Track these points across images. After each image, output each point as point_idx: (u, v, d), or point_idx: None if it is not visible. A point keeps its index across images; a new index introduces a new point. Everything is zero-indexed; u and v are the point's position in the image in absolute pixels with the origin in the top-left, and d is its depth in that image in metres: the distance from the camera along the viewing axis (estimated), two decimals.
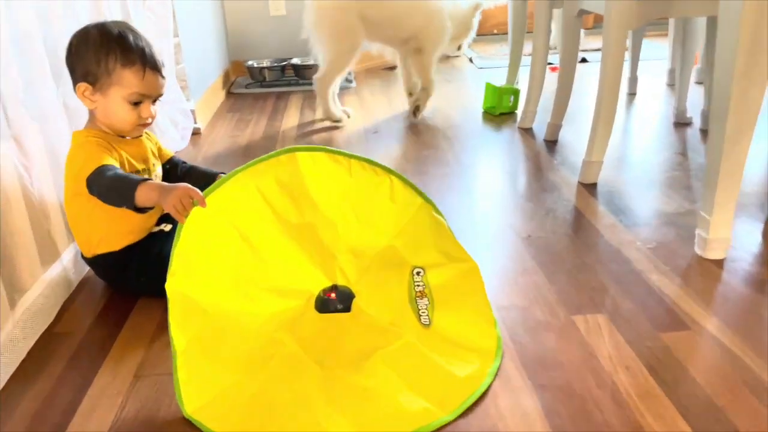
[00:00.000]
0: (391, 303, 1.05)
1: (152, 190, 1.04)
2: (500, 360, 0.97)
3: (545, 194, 1.63)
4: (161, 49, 1.99)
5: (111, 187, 1.08)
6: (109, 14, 1.59)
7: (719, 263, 1.24)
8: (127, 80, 1.12)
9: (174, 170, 1.33)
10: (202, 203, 0.97)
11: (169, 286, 0.94)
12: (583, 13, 1.85)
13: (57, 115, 1.27)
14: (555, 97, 2.00)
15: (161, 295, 1.14)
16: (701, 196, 1.25)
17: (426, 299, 1.05)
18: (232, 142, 2.22)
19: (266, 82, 3.03)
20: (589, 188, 1.65)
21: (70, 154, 1.15)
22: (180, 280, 0.95)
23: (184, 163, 1.35)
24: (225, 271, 1.01)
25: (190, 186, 1.01)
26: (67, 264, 1.25)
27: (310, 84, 3.00)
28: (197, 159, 2.04)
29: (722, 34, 1.15)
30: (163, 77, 1.17)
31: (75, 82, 1.14)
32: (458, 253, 1.12)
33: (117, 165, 1.13)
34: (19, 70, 1.13)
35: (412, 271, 1.09)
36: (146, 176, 1.20)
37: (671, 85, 2.72)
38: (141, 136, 1.23)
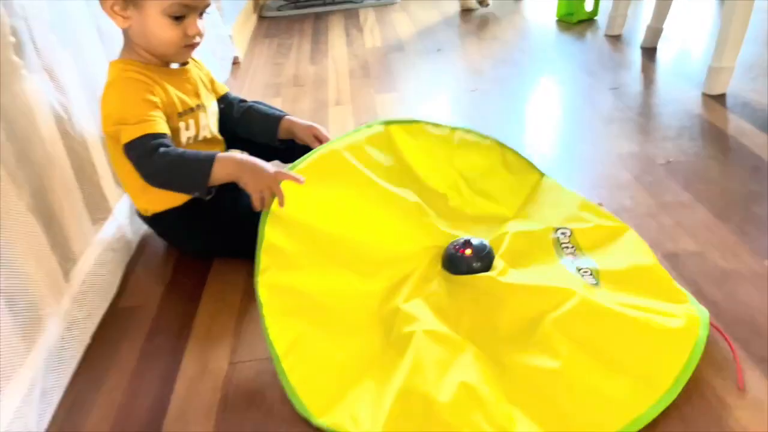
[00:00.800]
0: (541, 264, 0.82)
1: (231, 165, 0.85)
2: (707, 316, 0.74)
3: (668, 110, 1.36)
4: None
5: (173, 173, 0.86)
6: None
7: None
8: None
9: (230, 109, 1.09)
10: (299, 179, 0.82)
11: (262, 286, 0.75)
12: None
13: (91, 39, 1.03)
14: None
15: (241, 256, 0.96)
16: None
17: (580, 258, 0.82)
18: (278, 70, 1.95)
19: (301, 3, 2.72)
20: (718, 100, 1.38)
21: (104, 92, 0.91)
22: (272, 276, 0.77)
23: (243, 101, 1.12)
24: (323, 253, 0.82)
25: (282, 171, 0.83)
26: (122, 220, 1.04)
27: (350, 2, 2.70)
28: (242, 91, 1.79)
29: None
30: None
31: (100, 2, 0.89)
32: (603, 215, 0.92)
33: (162, 119, 0.88)
34: None
35: (556, 231, 0.87)
36: (200, 114, 0.97)
37: None
38: (188, 62, 0.99)
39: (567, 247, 0.85)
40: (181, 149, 0.88)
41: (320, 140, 1.05)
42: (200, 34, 0.93)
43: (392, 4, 2.67)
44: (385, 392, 0.67)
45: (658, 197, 1.04)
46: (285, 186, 0.82)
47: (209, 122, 1.01)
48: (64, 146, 0.89)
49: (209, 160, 0.85)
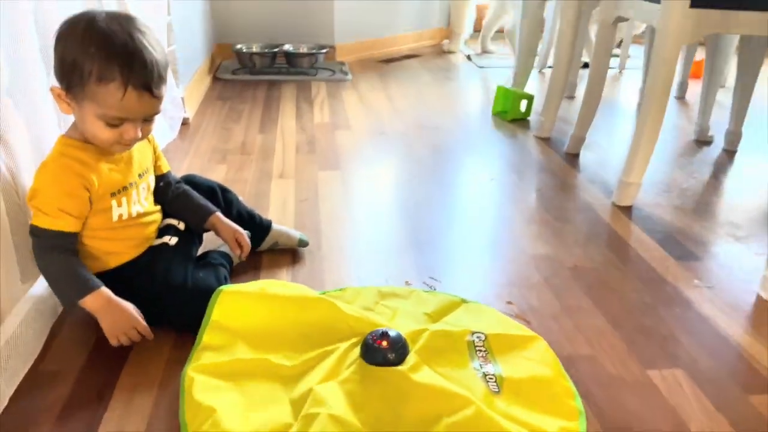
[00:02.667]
0: (452, 363, 0.90)
1: (98, 305, 0.93)
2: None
3: (580, 216, 1.50)
4: (158, 28, 1.78)
5: (56, 278, 0.94)
6: None
7: None
8: (102, 98, 0.87)
9: (166, 189, 1.14)
10: (148, 335, 0.95)
11: (192, 369, 0.85)
12: (620, 20, 1.72)
13: (46, 106, 1.07)
14: (581, 107, 1.88)
15: (168, 324, 0.99)
16: None
17: (491, 364, 0.91)
18: (226, 134, 2.02)
19: (256, 69, 2.82)
20: (625, 211, 1.53)
21: (40, 167, 0.93)
22: (203, 359, 0.87)
23: (179, 183, 1.17)
24: (254, 341, 0.94)
25: (135, 316, 0.94)
26: None
27: (303, 73, 2.82)
28: (189, 153, 1.84)
29: None
30: (155, 97, 0.91)
31: (55, 77, 0.92)
32: (517, 326, 1.02)
33: (77, 218, 0.93)
34: (5, 53, 0.93)
35: (472, 334, 0.95)
36: (132, 192, 1.01)
37: (679, 97, 2.64)
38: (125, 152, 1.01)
39: (480, 350, 0.93)
40: (74, 262, 0.93)
41: (240, 245, 1.14)
42: (137, 138, 0.94)
43: (344, 81, 2.81)
44: None
45: (562, 300, 1.14)
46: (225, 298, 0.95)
47: (141, 197, 1.04)
48: (5, 208, 0.91)
49: (85, 291, 0.92)
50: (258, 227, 1.24)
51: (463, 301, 1.08)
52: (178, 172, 1.68)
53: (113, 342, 0.94)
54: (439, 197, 1.61)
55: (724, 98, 2.20)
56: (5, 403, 0.84)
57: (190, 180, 1.21)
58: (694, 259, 1.30)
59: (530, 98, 2.27)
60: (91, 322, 1.04)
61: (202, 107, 2.32)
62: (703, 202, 1.60)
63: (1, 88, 0.91)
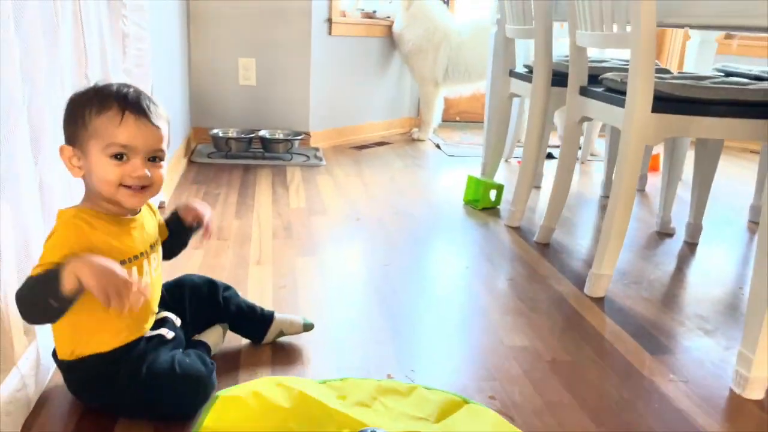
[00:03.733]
0: None
1: (77, 269, 0.85)
2: None
3: (554, 307, 1.53)
4: None
5: (32, 295, 0.87)
6: (93, 78, 1.41)
7: (760, 403, 1.16)
8: (102, 128, 0.91)
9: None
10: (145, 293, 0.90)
11: None
12: (585, 119, 1.83)
13: (31, 194, 1.07)
14: (550, 199, 1.95)
15: (146, 417, 0.97)
16: (743, 333, 1.18)
17: None
18: None
19: (231, 153, 2.87)
20: (598, 303, 1.57)
21: (49, 234, 0.94)
22: None
23: None
24: None
25: (115, 266, 0.87)
26: (26, 373, 1.02)
27: (278, 158, 2.87)
28: None
29: None
30: (155, 126, 0.94)
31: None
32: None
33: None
34: None
35: None
36: (143, 261, 1.01)
37: (640, 190, 2.76)
38: (138, 208, 1.01)
39: None
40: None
41: (197, 218, 1.15)
42: (144, 177, 0.94)
43: (319, 166, 2.87)
44: None
45: (544, 395, 1.15)
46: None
47: (152, 269, 1.05)
48: None
49: (57, 272, 0.85)
50: (260, 319, 1.24)
51: (465, 401, 1.07)
52: None
53: (101, 300, 0.85)
54: (417, 284, 1.63)
55: (683, 191, 2.32)
56: None
57: (188, 280, 1.21)
58: (668, 352, 1.33)
59: (500, 188, 2.35)
60: (68, 412, 1.01)
61: (178, 191, 2.33)
62: (670, 294, 1.66)
63: None
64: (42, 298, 0.87)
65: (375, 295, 1.56)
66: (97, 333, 0.98)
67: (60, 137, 1.04)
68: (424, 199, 2.46)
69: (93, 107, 0.92)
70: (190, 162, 2.76)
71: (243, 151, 2.90)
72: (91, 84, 0.99)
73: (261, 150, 2.94)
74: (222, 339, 1.21)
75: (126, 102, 0.92)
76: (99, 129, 0.92)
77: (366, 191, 2.50)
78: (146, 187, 0.96)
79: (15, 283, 0.99)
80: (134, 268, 1.00)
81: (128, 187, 0.94)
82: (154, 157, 0.97)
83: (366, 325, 1.39)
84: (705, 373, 1.26)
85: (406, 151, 3.34)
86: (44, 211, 1.10)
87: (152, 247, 1.05)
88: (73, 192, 1.31)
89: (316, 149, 3.15)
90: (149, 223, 1.06)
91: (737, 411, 1.14)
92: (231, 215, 2.08)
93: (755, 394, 1.18)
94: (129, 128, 0.92)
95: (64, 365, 1.01)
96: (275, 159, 2.89)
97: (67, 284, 0.85)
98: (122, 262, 0.96)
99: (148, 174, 0.95)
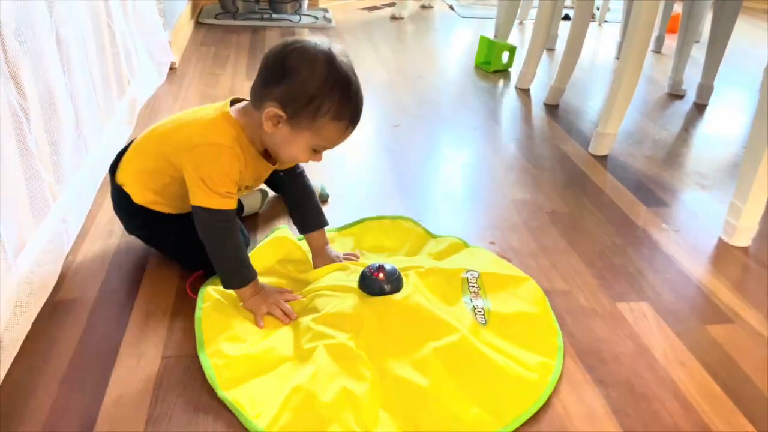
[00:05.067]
0: (444, 296, 0.99)
1: (249, 294, 0.97)
2: (560, 370, 0.90)
3: (558, 164, 1.58)
4: None
5: (228, 261, 0.96)
6: None
7: (745, 250, 1.24)
8: (326, 133, 0.94)
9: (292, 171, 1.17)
10: (292, 316, 0.97)
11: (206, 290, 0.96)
12: None
13: (50, 47, 1.10)
14: (561, 59, 1.94)
15: (176, 261, 1.06)
16: (736, 184, 1.23)
17: (481, 299, 0.99)
18: (214, 80, 2.04)
19: (239, 13, 2.80)
20: (601, 160, 1.61)
21: (207, 146, 0.94)
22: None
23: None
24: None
25: (276, 297, 0.98)
26: (63, 212, 1.10)
27: (286, 19, 2.81)
28: (179, 98, 1.86)
29: None
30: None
31: (266, 94, 0.92)
32: (510, 268, 1.10)
33: (236, 196, 0.98)
34: None
35: (466, 272, 1.03)
36: (247, 188, 1.07)
37: (656, 52, 2.71)
38: None
39: (473, 286, 1.01)
40: (244, 248, 0.98)
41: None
42: (319, 161, 1.00)
43: (328, 28, 2.81)
44: (282, 387, 0.82)
45: (540, 241, 1.23)
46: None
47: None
48: (18, 148, 0.95)
49: (247, 280, 0.96)
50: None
51: (466, 245, 1.16)
52: (169, 116, 1.72)
53: (258, 323, 0.95)
54: (424, 145, 1.67)
55: (699, 54, 2.28)
56: (28, 328, 0.91)
57: None
58: (663, 205, 1.40)
59: (512, 50, 2.31)
60: (102, 252, 1.10)
61: (187, 53, 2.32)
62: (673, 153, 1.70)
63: (8, 30, 0.93)
64: (224, 270, 0.97)
65: (384, 153, 1.61)
66: (171, 201, 1.04)
67: None
68: (435, 62, 2.44)
69: (332, 109, 0.91)
70: (198, 23, 2.72)
71: (250, 12, 2.84)
72: None
73: (269, 11, 2.87)
74: (260, 204, 1.27)
75: (356, 117, 0.95)
76: (323, 131, 0.93)
77: (376, 54, 2.48)
78: None
79: (43, 133, 1.05)
80: (243, 188, 1.05)
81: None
82: None
83: (376, 182, 1.46)
84: (697, 223, 1.33)
85: (418, 12, 3.25)
86: (63, 64, 1.13)
87: (257, 179, 1.08)
88: (87, 45, 1.33)
89: (325, 10, 3.07)
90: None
91: (722, 256, 1.22)
92: (242, 76, 2.09)
93: (742, 241, 1.25)
94: (343, 139, 0.97)
95: (118, 188, 1.06)
96: (283, 20, 2.83)
97: (238, 292, 0.97)
98: (239, 189, 1.01)
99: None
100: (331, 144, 0.97)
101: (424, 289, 0.98)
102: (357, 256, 1.13)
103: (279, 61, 0.91)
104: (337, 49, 0.93)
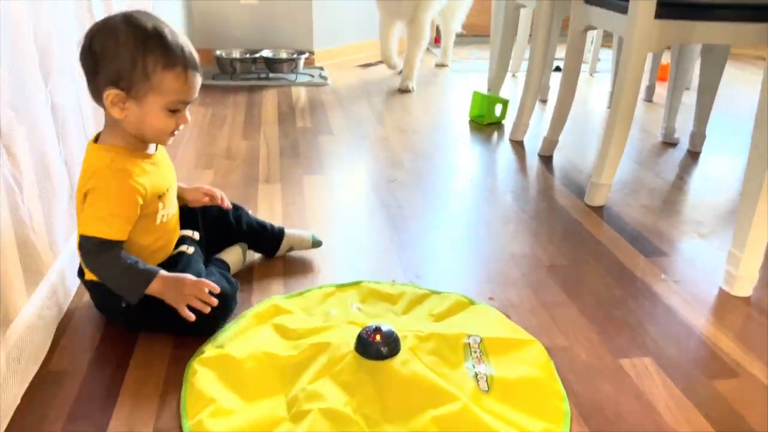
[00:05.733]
0: (445, 362, 0.96)
1: (160, 287, 0.97)
2: None
3: (554, 216, 1.58)
4: None
5: (116, 278, 0.98)
6: (95, 3, 1.42)
7: (746, 300, 1.22)
8: (168, 85, 0.94)
9: None
10: (215, 289, 0.99)
11: (196, 363, 0.95)
12: (589, 28, 1.81)
13: (44, 116, 1.11)
14: (554, 112, 1.96)
15: (167, 332, 1.04)
16: (734, 233, 1.23)
17: (484, 365, 0.97)
18: (211, 140, 2.06)
19: (236, 74, 2.86)
20: (597, 211, 1.61)
21: (92, 179, 0.97)
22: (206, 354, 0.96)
23: None
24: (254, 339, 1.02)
25: (194, 280, 0.98)
26: (55, 282, 1.10)
27: (283, 78, 2.87)
28: (174, 159, 1.86)
29: None
30: (200, 76, 1.00)
31: (97, 87, 0.95)
32: (516, 330, 1.08)
33: (127, 227, 0.98)
34: (7, 66, 0.97)
35: (468, 337, 1.01)
36: (170, 193, 1.08)
37: (648, 100, 2.75)
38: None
39: (475, 352, 0.99)
40: (125, 256, 0.97)
41: (210, 195, 1.20)
42: (187, 122, 1.02)
43: (324, 85, 2.86)
44: None
45: (539, 296, 1.22)
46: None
47: (174, 200, 1.11)
48: (11, 218, 0.95)
49: (148, 280, 0.96)
50: (271, 235, 1.30)
51: (471, 302, 1.14)
52: None
53: (184, 313, 0.96)
54: (421, 199, 1.68)
55: (690, 100, 2.31)
56: (18, 402, 0.89)
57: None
58: (662, 255, 1.39)
59: (505, 103, 2.35)
60: (95, 321, 1.09)
61: None
62: (669, 201, 1.70)
63: (4, 101, 0.95)
64: (120, 287, 0.98)
65: (380, 209, 1.61)
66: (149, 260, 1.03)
67: (66, 61, 1.06)
68: (430, 116, 2.47)
69: (158, 60, 0.92)
70: None
71: (247, 72, 2.90)
72: (87, 9, 1.00)
73: (265, 70, 2.93)
74: (242, 258, 1.26)
75: (186, 58, 0.95)
76: (164, 85, 0.93)
77: (371, 109, 2.51)
78: None
79: (37, 202, 1.05)
80: (166, 201, 1.06)
81: (171, 132, 1.01)
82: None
83: (372, 237, 1.46)
84: (696, 273, 1.32)
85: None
86: (57, 131, 1.15)
87: (173, 178, 1.11)
88: (84, 111, 1.35)
89: (321, 68, 3.13)
90: (165, 157, 1.11)
91: (724, 306, 1.20)
92: (239, 136, 2.12)
93: (743, 291, 1.24)
94: (191, 85, 0.97)
95: (90, 284, 1.07)
96: (280, 79, 2.88)
97: (149, 292, 0.97)
98: (159, 197, 1.03)
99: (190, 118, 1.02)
100: (183, 94, 0.96)
101: (423, 354, 0.96)
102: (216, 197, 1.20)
103: (87, 50, 0.94)
104: (135, 9, 0.96)
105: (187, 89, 0.96)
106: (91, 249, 0.96)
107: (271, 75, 2.91)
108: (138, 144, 1.02)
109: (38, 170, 1.06)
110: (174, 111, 0.97)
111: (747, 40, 1.51)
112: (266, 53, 2.96)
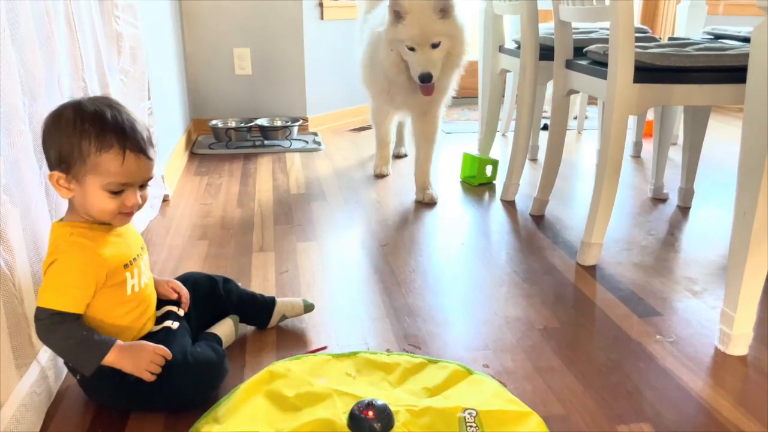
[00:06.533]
0: None
1: (116, 357, 0.99)
2: None
3: (547, 277, 1.59)
4: (140, 111, 1.87)
5: (71, 351, 0.99)
6: (90, 82, 1.46)
7: (743, 359, 1.22)
8: (104, 167, 0.96)
9: None
10: (168, 356, 1.01)
11: None
12: (572, 92, 1.86)
13: (39, 201, 1.13)
14: (542, 172, 2.00)
15: (158, 409, 1.03)
16: (725, 292, 1.23)
17: None
18: (205, 211, 2.08)
19: (232, 142, 2.92)
20: (589, 270, 1.62)
21: (50, 254, 0.99)
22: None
23: None
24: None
25: (150, 348, 1.00)
26: (45, 365, 1.09)
27: (278, 145, 2.92)
28: (170, 230, 1.89)
29: (750, 130, 1.15)
30: (150, 158, 1.01)
31: (49, 168, 1.00)
32: (512, 401, 1.06)
33: (83, 300, 0.99)
34: (2, 151, 0.99)
35: (463, 411, 1.00)
36: (140, 262, 1.08)
37: (635, 156, 2.79)
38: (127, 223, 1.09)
39: (470, 426, 0.97)
40: (80, 328, 0.98)
41: (177, 291, 1.20)
42: (138, 205, 1.03)
43: (318, 150, 2.91)
44: None
45: (534, 362, 1.21)
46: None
47: (146, 269, 1.12)
48: (3, 302, 0.96)
49: (103, 352, 0.98)
50: (262, 306, 1.31)
51: (469, 372, 1.13)
52: (161, 249, 1.75)
53: (145, 377, 0.99)
54: (414, 262, 1.68)
55: (676, 155, 2.35)
56: None
57: (189, 278, 1.26)
58: (655, 315, 1.39)
59: (495, 163, 2.39)
60: (85, 403, 1.07)
61: (181, 183, 2.39)
62: (661, 259, 1.70)
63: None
64: (75, 360, 1.00)
65: (373, 274, 1.61)
66: (107, 335, 1.03)
67: None
68: None
69: (92, 142, 0.95)
70: (192, 154, 2.82)
71: (243, 140, 2.95)
72: (83, 89, 1.04)
73: (260, 138, 2.98)
74: (234, 331, 1.26)
75: (125, 139, 0.96)
76: (99, 167, 0.96)
77: (364, 174, 2.55)
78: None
79: (30, 286, 1.06)
80: (135, 270, 1.06)
81: (127, 213, 1.03)
82: (143, 185, 1.04)
83: (364, 303, 1.45)
84: (691, 332, 1.32)
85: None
86: (51, 213, 1.16)
87: (142, 248, 1.12)
88: None
89: (315, 134, 3.20)
90: (131, 227, 1.12)
91: (721, 367, 1.19)
92: (233, 204, 2.14)
93: (738, 350, 1.23)
94: (130, 168, 0.97)
95: (72, 369, 1.07)
96: (275, 146, 2.94)
97: (105, 363, 0.98)
98: (125, 266, 1.04)
99: (140, 201, 1.03)
100: (121, 176, 0.97)
101: (417, 430, 0.95)
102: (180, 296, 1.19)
103: (42, 135, 0.99)
104: (88, 97, 1.01)
105: (126, 171, 0.97)
106: (45, 321, 0.96)
107: (266, 142, 2.96)
108: (97, 219, 1.03)
109: (31, 254, 1.07)
110: (117, 192, 0.99)
111: (725, 101, 1.55)
112: (261, 121, 3.02)
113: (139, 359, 0.99)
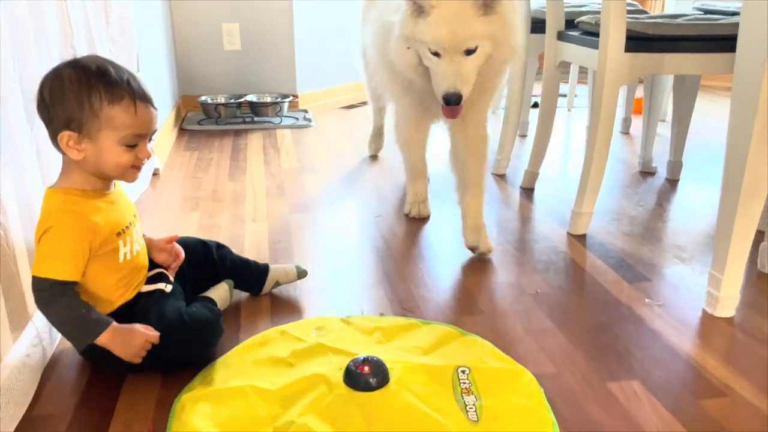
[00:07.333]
0: (434, 393, 0.96)
1: (109, 339, 0.98)
2: None
3: (538, 246, 1.60)
4: None
5: (66, 324, 0.99)
6: (79, 48, 1.45)
7: (730, 321, 1.24)
8: (118, 120, 0.96)
9: None
10: (156, 341, 1.00)
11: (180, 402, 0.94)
12: (563, 64, 1.87)
13: (30, 162, 1.13)
14: (533, 144, 2.01)
15: (154, 369, 1.04)
16: (713, 255, 1.25)
17: (473, 396, 0.96)
18: (197, 183, 2.08)
19: (222, 119, 2.90)
20: (580, 239, 1.64)
21: (42, 221, 0.98)
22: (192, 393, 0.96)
23: None
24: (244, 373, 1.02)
25: (142, 332, 0.99)
26: (40, 327, 1.09)
27: (268, 122, 2.91)
28: (161, 203, 1.89)
29: (739, 95, 1.16)
30: (155, 108, 1.02)
31: (54, 132, 0.98)
32: (505, 360, 1.08)
33: (80, 267, 0.98)
34: None
35: (456, 369, 1.01)
36: (132, 231, 1.08)
37: (625, 132, 2.81)
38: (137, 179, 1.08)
39: (464, 383, 0.99)
40: (78, 305, 0.97)
41: (176, 254, 1.19)
42: (149, 157, 1.04)
43: (308, 127, 2.91)
44: None
45: (526, 324, 1.22)
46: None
47: (138, 236, 1.12)
48: None
49: (97, 332, 0.97)
50: (256, 272, 1.31)
51: (461, 334, 1.15)
52: (152, 220, 1.74)
53: (134, 362, 0.99)
54: (406, 232, 1.69)
55: (665, 131, 2.37)
56: None
57: (182, 242, 1.25)
58: (645, 280, 1.41)
59: None
60: (80, 364, 1.08)
61: (171, 158, 2.38)
62: (650, 228, 1.73)
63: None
64: (68, 334, 1.00)
65: (367, 243, 1.62)
66: (98, 301, 1.04)
67: None
68: None
69: (102, 96, 0.95)
70: (181, 129, 2.80)
71: (233, 117, 2.93)
72: (72, 55, 1.03)
73: (250, 114, 2.97)
74: (229, 296, 1.26)
75: (134, 91, 0.97)
76: (114, 120, 0.96)
77: (355, 149, 2.55)
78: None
79: (23, 246, 1.05)
80: (128, 238, 1.06)
81: (134, 167, 1.02)
82: (150, 137, 1.04)
83: (358, 271, 1.46)
84: (680, 296, 1.34)
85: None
86: (43, 175, 1.16)
87: (135, 216, 1.11)
88: None
89: (305, 111, 3.18)
90: (124, 194, 1.12)
91: (708, 328, 1.22)
92: (225, 178, 2.14)
93: (726, 312, 1.25)
94: (142, 117, 0.98)
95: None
96: (265, 123, 2.92)
97: (98, 342, 0.97)
98: (117, 234, 1.04)
99: (152, 151, 1.04)
100: (135, 128, 0.98)
101: (412, 385, 0.96)
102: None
103: (40, 99, 0.98)
104: (84, 57, 1.01)
105: (139, 121, 0.98)
106: (45, 292, 0.96)
107: (256, 119, 2.95)
108: (97, 183, 1.02)
109: (23, 215, 1.07)
110: (131, 146, 0.99)
111: (715, 70, 1.57)
112: (251, 97, 3.00)
113: (130, 346, 0.98)
